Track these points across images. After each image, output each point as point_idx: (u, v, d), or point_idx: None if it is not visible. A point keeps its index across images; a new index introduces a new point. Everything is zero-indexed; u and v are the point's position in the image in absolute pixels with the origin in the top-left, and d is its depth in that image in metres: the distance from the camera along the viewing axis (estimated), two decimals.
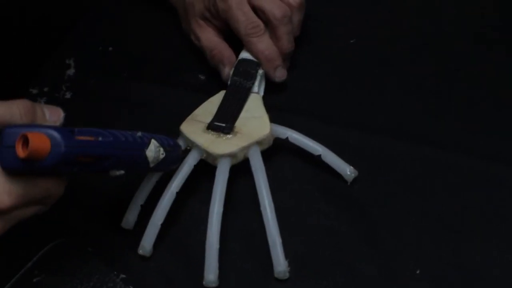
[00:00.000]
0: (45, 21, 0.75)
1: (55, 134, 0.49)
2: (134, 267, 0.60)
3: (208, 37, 0.71)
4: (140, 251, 0.60)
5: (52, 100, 0.72)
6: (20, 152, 0.48)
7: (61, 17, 0.77)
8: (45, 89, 0.73)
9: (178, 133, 0.64)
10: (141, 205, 0.61)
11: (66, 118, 0.69)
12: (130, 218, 0.61)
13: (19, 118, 0.50)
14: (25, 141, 0.48)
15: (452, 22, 0.74)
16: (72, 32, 0.77)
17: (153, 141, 0.56)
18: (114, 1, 0.80)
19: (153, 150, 0.55)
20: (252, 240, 0.60)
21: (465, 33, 0.72)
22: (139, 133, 0.56)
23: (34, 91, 0.73)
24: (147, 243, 0.60)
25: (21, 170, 0.49)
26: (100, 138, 0.52)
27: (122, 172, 0.54)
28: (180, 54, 0.74)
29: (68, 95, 0.72)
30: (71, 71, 0.74)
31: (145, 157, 0.56)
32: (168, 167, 0.59)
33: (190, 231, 0.61)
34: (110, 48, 0.75)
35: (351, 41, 0.72)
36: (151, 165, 0.56)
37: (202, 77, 0.72)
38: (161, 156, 0.56)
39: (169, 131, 0.62)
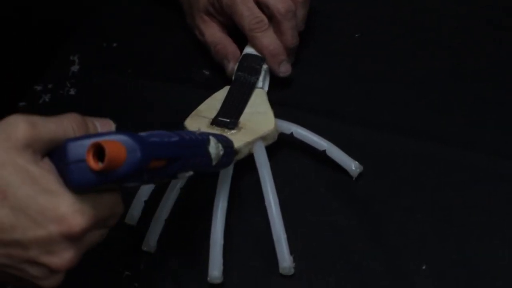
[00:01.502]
0: (50, 18, 0.76)
1: (128, 139, 0.45)
2: (139, 264, 0.60)
3: (212, 33, 0.70)
4: (145, 248, 0.60)
5: (56, 97, 0.72)
6: (94, 164, 0.44)
7: (66, 14, 0.77)
8: (50, 86, 0.72)
9: (183, 129, 0.64)
10: (145, 201, 0.61)
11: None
12: (134, 213, 0.61)
13: (72, 134, 0.48)
14: (96, 152, 0.45)
15: (457, 17, 0.73)
16: (77, 29, 0.77)
17: (211, 137, 0.54)
18: None
19: (214, 147, 0.54)
20: (257, 236, 0.60)
21: (469, 28, 0.72)
22: (197, 130, 0.54)
23: (39, 88, 0.72)
24: (151, 239, 0.60)
25: (93, 185, 0.46)
26: (166, 139, 0.49)
27: (190, 173, 0.51)
28: (185, 50, 0.74)
29: (72, 92, 0.72)
30: (75, 68, 0.73)
31: (209, 155, 0.54)
32: (225, 164, 0.58)
33: (194, 227, 0.61)
34: (115, 45, 0.75)
35: (356, 36, 0.72)
36: (214, 162, 0.54)
37: (206, 72, 0.71)
38: (221, 153, 0.54)
39: (175, 127, 0.62)
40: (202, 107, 0.65)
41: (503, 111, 0.66)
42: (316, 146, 0.62)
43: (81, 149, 0.45)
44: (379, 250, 0.58)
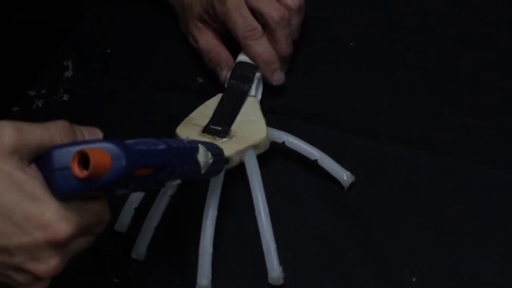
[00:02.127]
0: (44, 23, 0.75)
1: (113, 146, 0.45)
2: (128, 271, 0.59)
3: (206, 40, 0.70)
4: (134, 255, 0.60)
5: (50, 102, 0.72)
6: (78, 172, 0.44)
7: (60, 18, 0.77)
8: (43, 91, 0.72)
9: (173, 136, 0.63)
10: (135, 208, 0.61)
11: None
12: (124, 221, 0.61)
13: (59, 141, 0.47)
14: (81, 160, 0.44)
15: (452, 25, 0.73)
16: (70, 34, 0.76)
17: (200, 145, 0.54)
18: (113, 2, 0.79)
19: (203, 155, 0.53)
20: (246, 245, 0.59)
21: (465, 35, 0.72)
22: (186, 139, 0.54)
23: (32, 93, 0.72)
24: (141, 247, 0.59)
25: (77, 192, 0.46)
26: (153, 147, 0.49)
27: (178, 181, 0.51)
28: (178, 57, 0.73)
29: (66, 97, 0.72)
30: (69, 73, 0.73)
31: (197, 163, 0.53)
32: (215, 172, 0.57)
33: (184, 235, 0.61)
34: (108, 50, 0.74)
35: (351, 44, 0.72)
36: (203, 170, 0.54)
37: (200, 79, 0.71)
38: (210, 161, 0.54)
39: (167, 134, 0.62)
40: (194, 114, 0.65)
41: (496, 121, 0.65)
42: (308, 156, 0.62)
43: (66, 156, 0.45)
44: (369, 260, 0.58)
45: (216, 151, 0.57)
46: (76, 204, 0.46)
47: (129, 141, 0.48)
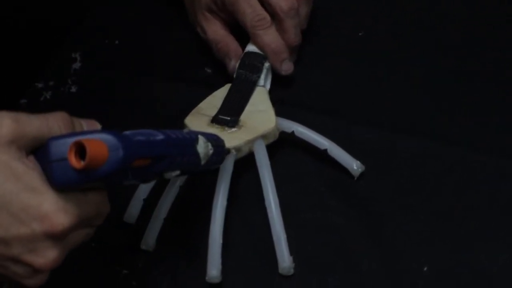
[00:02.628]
0: (51, 14, 0.75)
1: (110, 137, 0.45)
2: (137, 263, 0.59)
3: (214, 30, 0.70)
4: (143, 246, 0.59)
5: (57, 94, 0.71)
6: (75, 163, 0.44)
7: (67, 10, 0.77)
8: (51, 83, 0.72)
9: (182, 127, 0.63)
10: (144, 199, 0.61)
11: (71, 113, 0.69)
12: (133, 212, 0.61)
13: (58, 132, 0.47)
14: (78, 151, 0.44)
15: (462, 16, 0.72)
16: (78, 26, 0.76)
17: (200, 136, 0.54)
18: None
19: (203, 146, 0.53)
20: (257, 235, 0.59)
21: (475, 27, 0.71)
22: (185, 130, 0.54)
23: (40, 85, 0.72)
24: (150, 238, 0.59)
25: (75, 184, 0.45)
26: (152, 138, 0.49)
27: (177, 172, 0.51)
28: (187, 48, 0.73)
29: (73, 89, 0.72)
30: (77, 65, 0.73)
31: (197, 154, 0.53)
32: (214, 164, 0.57)
33: (193, 226, 0.60)
34: (116, 42, 0.74)
35: (360, 34, 0.71)
36: (202, 161, 0.53)
37: (208, 70, 0.71)
38: (210, 152, 0.54)
39: (175, 125, 0.61)
40: (202, 105, 0.65)
41: (506, 111, 0.65)
42: (318, 145, 0.62)
43: (63, 147, 0.45)
44: (379, 250, 0.58)
45: (217, 142, 0.57)
46: (74, 196, 0.46)
47: (127, 132, 0.48)
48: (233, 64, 0.68)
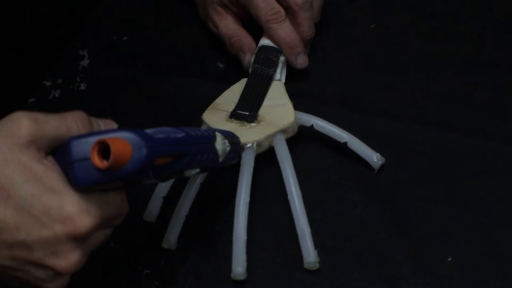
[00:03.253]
0: (58, 12, 0.74)
1: (133, 136, 0.44)
2: (159, 262, 0.58)
3: (227, 25, 0.69)
4: (165, 245, 0.59)
5: (66, 92, 0.70)
6: (99, 162, 0.43)
7: (74, 7, 0.76)
8: (59, 81, 0.71)
9: (198, 123, 0.62)
10: (164, 197, 0.60)
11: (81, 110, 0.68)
12: (153, 210, 0.60)
13: (76, 131, 0.46)
14: (100, 150, 0.43)
15: (474, 6, 0.72)
16: (85, 23, 0.75)
17: (218, 133, 0.53)
18: None
19: (220, 143, 0.53)
20: (279, 230, 0.59)
21: (487, 17, 0.71)
22: (203, 127, 0.53)
23: (48, 83, 0.71)
24: (172, 236, 0.58)
25: (98, 184, 0.45)
26: (173, 135, 0.48)
27: (197, 170, 0.50)
28: (198, 43, 0.72)
29: (83, 87, 0.71)
30: (85, 62, 0.72)
31: (215, 151, 0.52)
32: (231, 160, 0.56)
33: (215, 223, 0.60)
34: (125, 38, 0.73)
35: (371, 26, 0.71)
36: (220, 159, 0.53)
37: (220, 65, 0.70)
38: (227, 149, 0.53)
39: (187, 121, 0.60)
40: (219, 100, 0.64)
41: None
42: (337, 139, 0.61)
43: (85, 147, 0.44)
44: (404, 243, 0.57)
45: (233, 139, 0.56)
46: (96, 196, 0.45)
47: (149, 130, 0.47)
48: (248, 58, 0.67)
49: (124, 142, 0.44)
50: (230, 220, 0.57)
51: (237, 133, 0.59)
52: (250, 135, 0.60)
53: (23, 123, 0.45)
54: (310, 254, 0.56)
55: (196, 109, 0.64)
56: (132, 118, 0.67)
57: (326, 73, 0.68)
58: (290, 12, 0.66)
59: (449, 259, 0.57)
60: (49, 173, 0.45)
